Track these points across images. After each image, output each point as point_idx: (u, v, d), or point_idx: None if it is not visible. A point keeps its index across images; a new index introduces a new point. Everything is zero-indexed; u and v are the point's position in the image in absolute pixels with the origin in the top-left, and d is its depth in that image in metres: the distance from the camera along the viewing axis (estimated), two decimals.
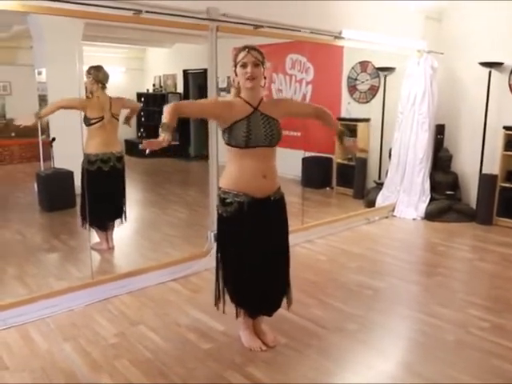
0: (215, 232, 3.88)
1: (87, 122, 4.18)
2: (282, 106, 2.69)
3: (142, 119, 10.26)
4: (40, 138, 6.88)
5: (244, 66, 2.48)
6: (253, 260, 2.63)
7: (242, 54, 2.49)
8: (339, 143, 2.93)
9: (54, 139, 5.81)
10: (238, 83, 2.57)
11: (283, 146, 2.77)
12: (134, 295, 3.56)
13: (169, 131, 2.27)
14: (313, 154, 7.20)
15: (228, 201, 2.58)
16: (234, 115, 2.51)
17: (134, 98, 10.93)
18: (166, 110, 2.37)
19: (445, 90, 5.87)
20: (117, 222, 4.49)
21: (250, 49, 2.49)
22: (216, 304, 2.80)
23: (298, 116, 2.97)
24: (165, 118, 2.32)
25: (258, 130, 2.52)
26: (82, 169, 4.23)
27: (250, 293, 2.68)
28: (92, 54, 7.79)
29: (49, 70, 6.50)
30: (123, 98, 4.47)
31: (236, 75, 2.54)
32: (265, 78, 2.56)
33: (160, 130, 2.29)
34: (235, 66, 2.52)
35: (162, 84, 11.22)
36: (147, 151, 2.22)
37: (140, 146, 2.21)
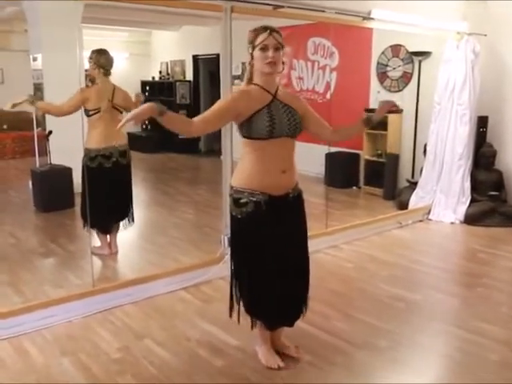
0: (229, 236, 3.94)
1: (86, 112, 4.23)
2: (300, 104, 2.70)
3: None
4: (35, 130, 6.98)
5: (264, 49, 2.48)
6: (272, 265, 2.64)
7: (262, 36, 2.49)
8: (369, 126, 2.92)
9: (50, 132, 5.89)
10: (251, 67, 2.58)
11: (304, 141, 2.77)
12: (138, 305, 3.59)
13: (158, 112, 2.25)
14: (338, 149, 7.18)
15: (243, 201, 2.59)
16: (253, 105, 2.52)
17: (139, 86, 11.04)
18: (183, 117, 2.47)
19: (488, 76, 5.81)
20: (122, 224, 4.54)
21: (271, 30, 2.49)
22: (231, 315, 2.81)
23: (306, 126, 2.71)
24: (168, 112, 2.31)
25: (281, 119, 2.54)
26: (83, 165, 4.28)
27: (269, 302, 2.69)
28: (92, 39, 7.87)
29: (45, 56, 6.59)
30: (129, 96, 4.44)
31: (252, 58, 2.54)
32: (283, 62, 2.57)
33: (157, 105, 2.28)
34: (253, 49, 2.52)
35: (169, 71, 11.29)
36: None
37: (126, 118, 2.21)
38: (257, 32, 2.52)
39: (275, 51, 2.49)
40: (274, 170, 2.56)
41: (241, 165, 2.64)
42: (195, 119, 2.47)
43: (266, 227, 2.60)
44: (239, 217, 2.62)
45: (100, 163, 4.26)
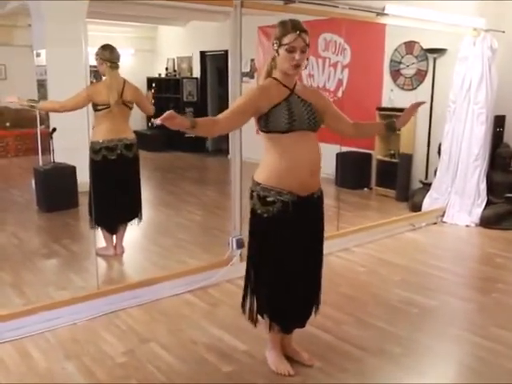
0: (238, 238, 3.95)
1: (94, 107, 4.24)
2: (319, 99, 2.70)
3: (153, 107, 10.36)
4: (38, 128, 7.02)
5: (292, 50, 2.47)
6: (294, 266, 2.65)
7: (290, 37, 2.46)
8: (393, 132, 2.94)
9: (54, 130, 5.92)
10: (273, 61, 2.58)
11: None
12: (144, 308, 3.60)
13: (190, 126, 2.27)
14: (349, 148, 7.16)
15: (270, 199, 2.58)
16: (272, 99, 2.52)
17: (144, 83, 11.08)
18: (207, 118, 2.47)
19: (506, 74, 5.77)
20: (129, 222, 4.54)
21: (300, 31, 2.46)
22: (252, 319, 2.79)
23: (328, 122, 2.75)
24: (197, 121, 2.32)
25: (300, 114, 2.54)
26: (89, 160, 4.31)
27: (290, 303, 2.70)
28: (97, 34, 7.92)
29: (49, 52, 6.63)
30: (140, 91, 4.48)
31: (278, 54, 2.53)
32: (307, 59, 2.57)
33: (186, 117, 2.31)
34: (278, 46, 2.51)
35: (175, 68, 11.32)
36: (156, 123, 2.21)
37: (153, 120, 2.21)
38: (285, 30, 2.48)
39: (302, 53, 2.48)
40: (304, 171, 2.56)
41: (267, 160, 2.62)
42: (219, 118, 2.46)
43: (291, 228, 2.61)
44: (265, 216, 2.61)
45: (104, 156, 4.25)
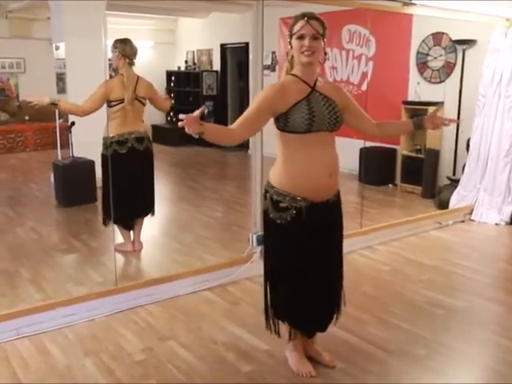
0: (258, 235, 3.95)
1: (108, 103, 4.27)
2: (341, 96, 2.67)
3: (173, 101, 10.41)
4: (57, 122, 7.12)
5: (301, 38, 2.47)
6: (313, 270, 2.63)
7: (299, 24, 2.47)
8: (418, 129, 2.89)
9: (73, 124, 5.99)
10: (292, 57, 2.57)
11: (337, 134, 2.74)
12: (162, 305, 3.62)
13: (199, 130, 2.24)
14: (373, 143, 7.11)
15: (283, 205, 2.57)
16: (291, 98, 2.50)
17: (164, 76, 11.12)
18: (221, 127, 2.49)
19: None
20: (144, 218, 4.56)
21: (309, 18, 2.46)
22: (267, 326, 2.81)
23: (348, 121, 2.70)
24: (206, 126, 2.28)
25: (320, 112, 2.51)
26: (101, 155, 4.37)
27: (308, 309, 2.69)
28: (116, 27, 7.97)
29: (68, 45, 6.69)
30: (153, 88, 4.50)
31: (291, 47, 2.53)
32: (325, 53, 2.54)
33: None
34: (290, 38, 2.52)
35: (195, 60, 11.35)
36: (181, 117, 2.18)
37: (180, 117, 2.18)
38: (295, 20, 2.51)
39: (313, 40, 2.46)
40: (321, 174, 2.54)
41: (282, 162, 2.59)
42: (234, 125, 2.46)
43: (306, 234, 2.59)
44: (279, 222, 2.59)
45: (115, 150, 4.28)
